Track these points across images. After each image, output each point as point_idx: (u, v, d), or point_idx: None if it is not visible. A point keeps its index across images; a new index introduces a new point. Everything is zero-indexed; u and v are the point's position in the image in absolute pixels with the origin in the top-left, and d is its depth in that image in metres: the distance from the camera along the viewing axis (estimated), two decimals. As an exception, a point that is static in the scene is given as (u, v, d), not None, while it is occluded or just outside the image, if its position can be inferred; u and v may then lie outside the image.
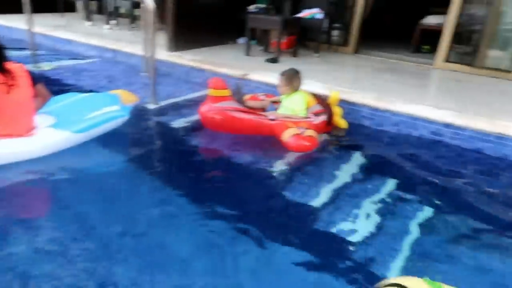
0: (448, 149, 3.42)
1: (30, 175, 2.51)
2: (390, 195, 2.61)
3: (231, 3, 6.07)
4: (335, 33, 6.40)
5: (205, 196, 2.47)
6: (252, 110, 3.35)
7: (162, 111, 3.81)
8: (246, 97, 3.65)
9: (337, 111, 3.60)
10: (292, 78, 3.35)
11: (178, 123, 3.56)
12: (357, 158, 3.14)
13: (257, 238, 2.08)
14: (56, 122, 2.79)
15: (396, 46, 6.67)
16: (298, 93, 3.39)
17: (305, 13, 5.86)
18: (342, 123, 3.60)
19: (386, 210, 2.43)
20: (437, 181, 2.87)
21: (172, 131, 3.45)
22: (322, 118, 3.40)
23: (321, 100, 3.57)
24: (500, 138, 3.28)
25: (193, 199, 2.42)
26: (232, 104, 3.24)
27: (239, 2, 6.14)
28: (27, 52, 4.98)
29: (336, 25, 6.32)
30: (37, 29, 5.43)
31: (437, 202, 2.57)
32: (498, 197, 2.72)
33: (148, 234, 2.08)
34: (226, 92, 3.24)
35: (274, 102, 3.64)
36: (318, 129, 3.30)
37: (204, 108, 3.27)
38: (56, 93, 3.13)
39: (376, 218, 2.33)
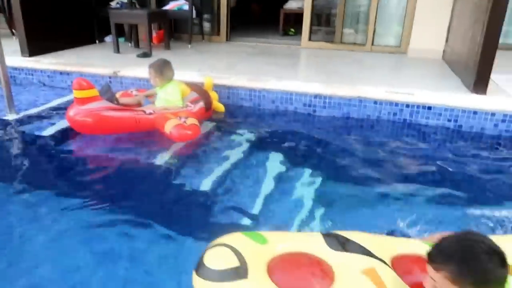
0: (321, 118, 3.72)
1: None
2: (276, 167, 2.73)
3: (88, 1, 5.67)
4: (205, 23, 6.44)
5: (93, 200, 2.28)
6: (126, 107, 3.19)
7: (24, 121, 3.40)
8: (118, 94, 3.44)
9: (213, 95, 3.63)
10: (162, 68, 3.26)
11: (47, 131, 3.22)
12: (242, 138, 3.22)
13: (159, 233, 2.00)
14: None
15: (265, 31, 6.99)
16: (172, 84, 3.32)
17: (171, 5, 5.77)
18: (219, 106, 3.65)
19: (275, 181, 2.55)
20: (315, 147, 3.13)
21: (40, 140, 3.10)
22: (200, 105, 3.39)
23: (196, 87, 3.55)
24: (361, 101, 3.67)
25: (81, 207, 2.21)
26: (102, 103, 3.02)
27: (99, -2, 5.77)
28: None
29: (205, 15, 6.37)
30: None
31: (317, 166, 2.77)
32: (369, 153, 3.05)
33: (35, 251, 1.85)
34: (93, 92, 2.98)
35: (148, 95, 3.51)
36: (198, 116, 3.28)
37: (72, 111, 2.98)
38: None
39: (268, 191, 2.42)
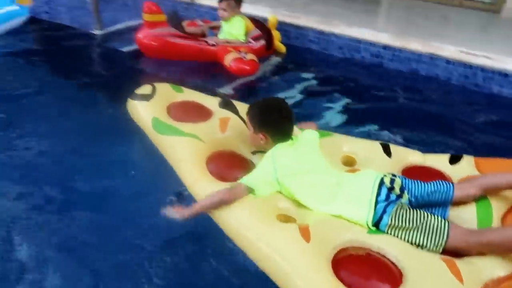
0: (387, 71, 3.63)
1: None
2: (332, 118, 2.75)
3: None
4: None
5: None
6: (191, 35, 3.34)
7: (108, 36, 3.75)
8: (184, 22, 3.60)
9: (276, 35, 3.65)
10: (235, 1, 3.34)
11: (125, 48, 3.52)
12: (301, 80, 3.28)
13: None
14: None
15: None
16: (238, 18, 3.40)
17: None
18: (281, 46, 3.68)
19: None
20: (376, 101, 3.08)
21: (119, 54, 3.43)
22: (261, 42, 3.46)
23: (260, 24, 3.59)
24: (432, 58, 3.51)
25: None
26: (169, 29, 3.19)
27: None
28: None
29: None
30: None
31: (376, 120, 2.71)
32: (431, 114, 2.96)
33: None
34: (161, 17, 3.17)
35: (213, 27, 3.62)
36: (258, 53, 3.35)
37: (140, 34, 3.19)
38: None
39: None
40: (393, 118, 2.82)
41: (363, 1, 5.19)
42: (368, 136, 2.43)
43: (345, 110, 2.86)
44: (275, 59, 3.60)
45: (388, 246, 1.42)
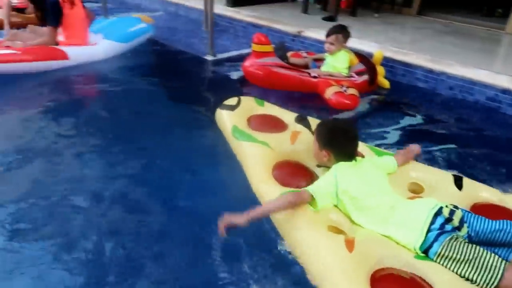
0: (506, 117, 3.30)
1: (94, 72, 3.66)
2: (436, 158, 2.58)
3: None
4: (399, -7, 6.14)
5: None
6: (294, 66, 3.42)
7: (219, 63, 4.03)
8: (289, 53, 3.70)
9: (380, 70, 3.58)
10: (345, 36, 3.36)
11: (233, 74, 3.75)
12: (403, 119, 3.13)
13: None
14: (105, 36, 3.89)
15: (465, 8, 6.25)
16: (342, 52, 3.40)
17: (368, -29, 5.67)
18: (384, 82, 3.59)
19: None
20: (492, 152, 2.74)
21: (227, 80, 3.65)
22: (364, 77, 3.41)
23: (364, 59, 3.55)
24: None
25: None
26: (274, 60, 3.32)
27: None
28: (99, 4, 5.35)
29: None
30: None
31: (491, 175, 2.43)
32: None
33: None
34: (269, 48, 3.31)
35: (316, 59, 3.66)
36: (360, 88, 3.31)
37: (247, 62, 3.38)
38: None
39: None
40: (508, 172, 2.51)
41: (480, 39, 4.86)
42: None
43: (448, 154, 2.64)
44: (378, 95, 3.52)
45: (435, 274, 1.38)
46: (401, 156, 2.00)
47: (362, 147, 2.06)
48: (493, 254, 1.40)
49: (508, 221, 1.53)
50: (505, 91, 3.33)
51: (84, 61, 3.66)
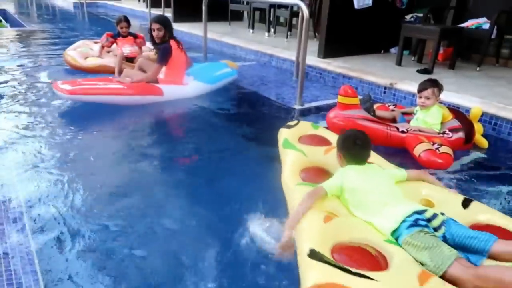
0: None
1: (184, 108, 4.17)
2: None
3: (385, 13, 5.99)
4: (505, 45, 5.71)
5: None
6: (381, 120, 3.28)
7: (305, 112, 4.07)
8: (376, 106, 3.57)
9: (478, 128, 3.27)
10: (438, 89, 3.16)
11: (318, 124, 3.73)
12: (503, 183, 2.78)
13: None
14: (195, 78, 4.45)
15: None
16: (435, 106, 3.17)
17: (469, 23, 5.40)
18: (482, 141, 3.26)
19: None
20: None
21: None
22: (459, 135, 3.12)
23: (460, 115, 3.28)
24: None
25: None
26: (360, 112, 3.21)
27: (395, 11, 6.02)
28: (200, 54, 5.86)
29: (508, 36, 5.63)
30: (209, 35, 6.32)
31: None
32: None
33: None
34: (355, 100, 3.21)
35: (405, 113, 3.47)
36: (454, 146, 3.04)
37: (332, 114, 3.30)
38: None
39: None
40: None
41: None
42: None
43: None
44: (475, 154, 3.20)
45: (395, 253, 1.63)
46: (413, 173, 2.28)
47: (379, 160, 2.47)
48: (450, 248, 1.61)
49: (484, 232, 1.69)
50: None
51: (175, 98, 4.24)
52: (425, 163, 2.86)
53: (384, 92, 4.53)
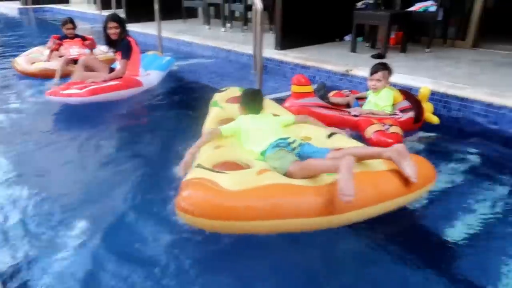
0: None
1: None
2: (497, 201, 2.37)
3: (338, 2, 6.11)
4: (451, 26, 5.98)
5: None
6: (335, 106, 3.38)
7: (266, 105, 4.10)
8: (331, 93, 3.68)
9: (428, 107, 3.41)
10: (389, 72, 3.29)
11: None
12: (456, 156, 2.93)
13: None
14: (146, 69, 4.76)
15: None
16: (386, 89, 3.30)
17: (417, 6, 5.62)
18: (433, 119, 3.39)
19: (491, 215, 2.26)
20: None
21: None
22: (409, 115, 3.24)
23: (410, 96, 3.40)
24: None
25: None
26: (314, 100, 3.31)
27: (346, 0, 6.17)
28: (155, 52, 5.74)
29: (453, 17, 5.90)
30: (164, 33, 6.21)
31: None
32: None
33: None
34: (308, 88, 3.31)
35: (359, 98, 3.59)
36: (404, 126, 3.14)
37: (287, 103, 3.38)
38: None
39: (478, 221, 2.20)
40: None
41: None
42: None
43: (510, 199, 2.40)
44: (427, 133, 3.33)
45: (257, 164, 2.27)
46: (300, 117, 2.90)
47: (281, 110, 3.14)
48: (295, 157, 2.27)
49: (323, 148, 2.36)
50: None
51: (148, 86, 4.58)
52: (375, 143, 2.92)
53: (341, 79, 4.64)
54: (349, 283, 1.83)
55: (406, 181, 2.07)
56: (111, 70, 4.45)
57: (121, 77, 4.32)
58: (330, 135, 2.67)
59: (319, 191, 1.95)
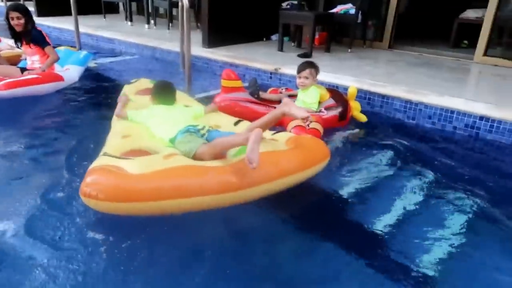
0: (484, 143, 3.34)
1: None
2: (418, 189, 2.53)
3: (264, 1, 6.17)
4: (369, 29, 6.36)
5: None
6: (265, 102, 3.45)
7: (197, 103, 3.98)
8: (269, 90, 3.75)
9: (355, 105, 3.56)
10: (315, 70, 3.39)
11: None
12: (381, 150, 3.08)
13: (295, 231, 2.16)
14: (63, 65, 4.47)
15: (433, 41, 6.52)
16: (313, 87, 3.41)
17: (338, 8, 5.88)
18: (361, 117, 3.55)
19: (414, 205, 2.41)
20: (473, 177, 2.72)
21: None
22: (334, 112, 3.36)
23: (336, 94, 3.54)
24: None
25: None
26: (243, 95, 3.39)
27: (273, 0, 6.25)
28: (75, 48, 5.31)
29: (371, 21, 6.27)
30: (82, 29, 5.76)
31: (472, 199, 2.43)
32: None
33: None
34: (238, 83, 3.41)
35: (291, 95, 3.65)
36: (326, 123, 3.25)
37: (218, 98, 3.43)
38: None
39: (402, 211, 2.32)
40: (489, 197, 2.47)
41: (450, 69, 5.01)
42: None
43: (429, 187, 2.58)
44: (354, 129, 3.47)
45: (166, 150, 2.31)
46: (210, 108, 3.04)
47: (189, 101, 3.27)
48: (203, 140, 2.41)
49: (230, 132, 2.56)
50: (482, 118, 3.37)
51: (70, 82, 4.36)
52: None
53: (271, 77, 4.67)
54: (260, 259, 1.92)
55: (304, 159, 2.28)
56: (22, 70, 4.01)
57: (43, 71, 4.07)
58: (236, 123, 2.86)
59: (223, 169, 2.03)
